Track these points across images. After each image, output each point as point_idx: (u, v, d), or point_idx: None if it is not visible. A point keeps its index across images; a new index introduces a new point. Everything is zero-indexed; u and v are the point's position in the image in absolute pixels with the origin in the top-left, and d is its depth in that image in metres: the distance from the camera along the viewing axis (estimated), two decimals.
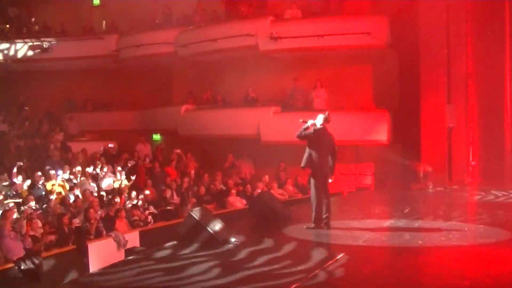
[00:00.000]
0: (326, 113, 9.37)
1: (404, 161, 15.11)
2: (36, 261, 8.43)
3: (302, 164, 9.36)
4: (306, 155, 9.29)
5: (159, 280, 6.22)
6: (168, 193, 13.64)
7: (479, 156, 15.43)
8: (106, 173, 14.43)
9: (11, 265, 8.63)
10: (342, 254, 7.25)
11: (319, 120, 9.25)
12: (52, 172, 13.93)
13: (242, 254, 7.37)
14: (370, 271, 6.70)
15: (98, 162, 15.09)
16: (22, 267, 8.29)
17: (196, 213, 8.43)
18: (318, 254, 7.25)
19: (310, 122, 9.26)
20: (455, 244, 8.18)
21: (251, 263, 6.85)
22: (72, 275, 7.79)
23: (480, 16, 15.15)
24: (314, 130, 9.19)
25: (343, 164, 14.07)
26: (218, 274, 6.38)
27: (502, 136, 14.91)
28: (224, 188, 14.60)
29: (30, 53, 19.76)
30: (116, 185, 14.13)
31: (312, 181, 9.37)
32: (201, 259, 7.05)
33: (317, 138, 9.18)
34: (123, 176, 14.46)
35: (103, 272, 6.75)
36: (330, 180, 9.38)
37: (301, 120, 9.41)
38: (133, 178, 14.37)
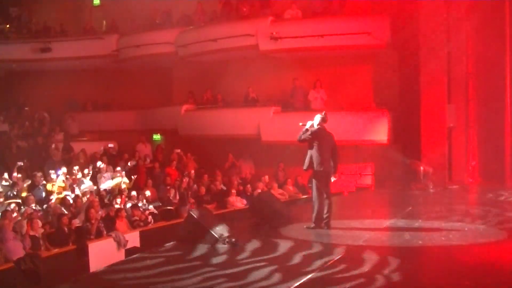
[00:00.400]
0: (323, 113, 9.46)
1: (405, 160, 15.10)
2: (36, 261, 8.44)
3: (305, 167, 9.44)
4: (307, 157, 9.35)
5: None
6: (172, 193, 13.65)
7: (479, 156, 15.42)
8: (106, 173, 14.42)
9: (11, 265, 8.65)
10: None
11: (316, 120, 9.33)
12: (53, 172, 13.94)
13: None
14: (370, 270, 6.72)
15: (99, 162, 15.09)
16: (22, 267, 8.30)
17: (195, 213, 8.50)
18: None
19: (309, 124, 9.33)
20: (455, 243, 8.19)
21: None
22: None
23: (480, 16, 15.13)
24: (312, 131, 9.26)
25: (343, 164, 14.00)
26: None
27: (502, 136, 14.88)
28: (224, 188, 14.61)
29: (31, 53, 19.76)
30: (115, 185, 14.13)
31: (314, 181, 9.41)
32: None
33: (316, 139, 9.24)
34: (124, 176, 14.46)
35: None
36: (333, 179, 9.44)
37: (300, 124, 9.48)
38: (133, 178, 14.39)
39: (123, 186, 13.77)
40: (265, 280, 6.32)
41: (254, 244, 8.07)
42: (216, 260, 7.28)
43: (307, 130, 9.30)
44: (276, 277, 6.42)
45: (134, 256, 7.77)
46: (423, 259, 7.42)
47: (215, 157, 16.97)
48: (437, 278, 6.38)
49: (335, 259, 7.22)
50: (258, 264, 6.96)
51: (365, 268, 6.75)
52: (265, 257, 7.35)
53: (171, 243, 8.29)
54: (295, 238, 8.69)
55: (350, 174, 15.60)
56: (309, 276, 6.44)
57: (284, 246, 8.00)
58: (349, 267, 6.74)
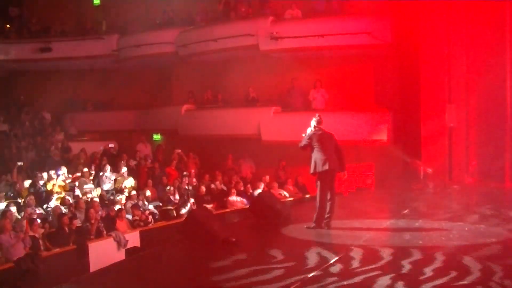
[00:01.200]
0: (317, 115, 9.60)
1: (406, 158, 15.10)
2: (36, 261, 8.45)
3: (311, 171, 9.49)
4: (312, 161, 9.41)
5: None
6: (172, 193, 13.64)
7: (479, 156, 15.40)
8: (107, 173, 14.41)
9: (11, 265, 8.65)
10: None
11: (312, 124, 9.46)
12: (53, 172, 13.94)
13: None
14: (371, 270, 6.70)
15: (100, 162, 15.08)
16: (22, 267, 8.30)
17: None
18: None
19: (308, 130, 9.46)
20: (456, 243, 8.19)
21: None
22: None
23: (480, 16, 15.12)
24: (309, 135, 9.39)
25: None
26: None
27: (502, 136, 14.87)
28: (224, 188, 14.61)
29: (31, 53, 19.76)
30: (118, 185, 14.13)
31: (318, 181, 9.45)
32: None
33: (315, 141, 9.33)
34: (125, 176, 14.44)
35: None
36: (344, 177, 9.72)
37: (303, 135, 9.56)
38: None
39: (125, 186, 13.77)
40: None
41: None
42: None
43: (306, 136, 9.44)
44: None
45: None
46: (423, 258, 7.32)
47: (215, 157, 16.98)
48: (438, 278, 6.36)
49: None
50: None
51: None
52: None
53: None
54: (301, 239, 8.68)
55: (350, 174, 15.58)
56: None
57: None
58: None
